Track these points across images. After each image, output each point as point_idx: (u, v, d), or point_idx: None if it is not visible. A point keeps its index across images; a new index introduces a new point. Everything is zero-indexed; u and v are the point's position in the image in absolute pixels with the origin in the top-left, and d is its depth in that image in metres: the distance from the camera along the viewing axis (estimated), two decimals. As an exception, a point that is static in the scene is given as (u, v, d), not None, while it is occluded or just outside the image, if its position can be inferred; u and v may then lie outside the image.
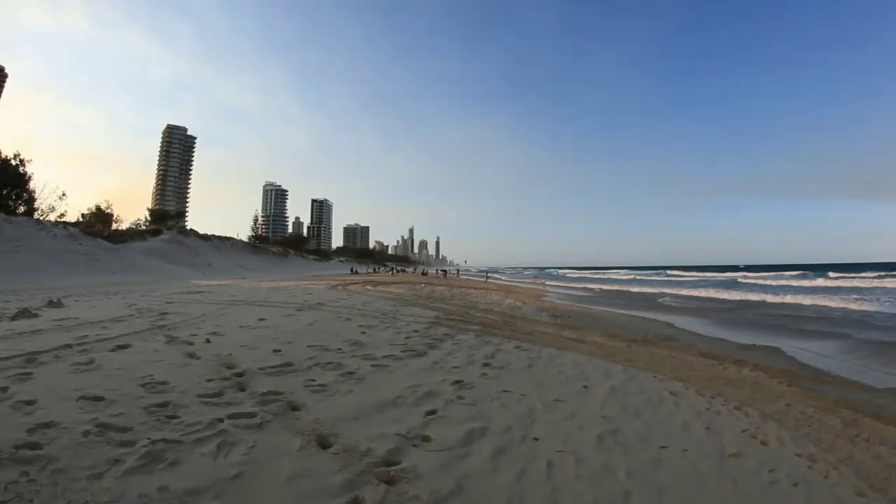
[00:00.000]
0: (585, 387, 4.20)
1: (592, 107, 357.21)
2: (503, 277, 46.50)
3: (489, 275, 59.57)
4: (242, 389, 3.37)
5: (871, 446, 3.26)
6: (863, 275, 37.19)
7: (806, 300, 16.48)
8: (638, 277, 48.00)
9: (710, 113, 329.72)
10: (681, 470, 2.57)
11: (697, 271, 61.59)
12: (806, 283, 29.77)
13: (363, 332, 6.27)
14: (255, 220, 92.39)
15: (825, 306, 15.00)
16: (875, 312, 13.13)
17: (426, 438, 2.71)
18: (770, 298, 18.01)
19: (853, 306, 14.45)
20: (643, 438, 2.98)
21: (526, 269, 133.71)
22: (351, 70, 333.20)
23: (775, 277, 37.30)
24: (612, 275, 60.64)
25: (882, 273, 38.18)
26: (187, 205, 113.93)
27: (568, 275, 64.07)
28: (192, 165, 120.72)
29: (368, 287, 18.11)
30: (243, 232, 73.58)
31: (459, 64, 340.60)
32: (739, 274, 49.02)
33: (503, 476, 2.33)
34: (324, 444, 2.52)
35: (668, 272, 61.62)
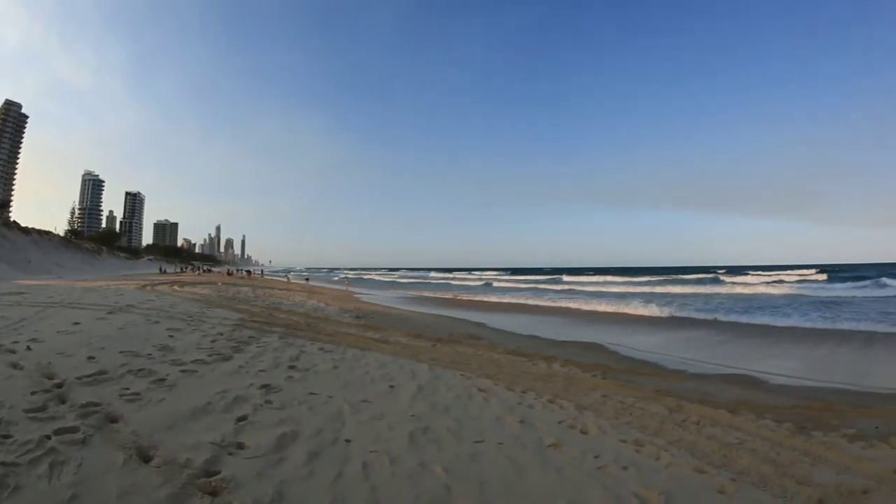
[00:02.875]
0: (392, 386, 4.42)
1: (418, 110, 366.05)
2: (290, 278, 47.73)
3: (289, 274, 61.05)
4: (63, 401, 3.22)
5: (702, 429, 3.60)
6: (675, 277, 41.39)
7: (625, 305, 16.35)
8: (443, 280, 50.01)
9: (533, 117, 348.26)
10: (499, 463, 2.80)
11: (511, 274, 63.52)
12: (623, 288, 30.03)
13: (171, 336, 6.09)
14: (73, 213, 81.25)
15: (639, 314, 14.78)
16: (691, 317, 13.80)
17: (240, 445, 2.75)
18: (584, 305, 17.58)
19: (667, 310, 14.74)
20: (455, 434, 3.24)
21: (321, 269, 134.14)
22: (183, 57, 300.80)
23: (594, 283, 37.03)
24: (399, 277, 62.39)
25: (701, 275, 42.74)
26: (13, 192, 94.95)
27: (360, 276, 64.68)
28: (20, 148, 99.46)
29: (176, 287, 17.74)
30: (61, 225, 67.86)
31: (290, 62, 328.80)
32: (551, 276, 51.08)
33: (321, 479, 2.45)
34: (145, 456, 2.50)
35: (481, 274, 63.50)
